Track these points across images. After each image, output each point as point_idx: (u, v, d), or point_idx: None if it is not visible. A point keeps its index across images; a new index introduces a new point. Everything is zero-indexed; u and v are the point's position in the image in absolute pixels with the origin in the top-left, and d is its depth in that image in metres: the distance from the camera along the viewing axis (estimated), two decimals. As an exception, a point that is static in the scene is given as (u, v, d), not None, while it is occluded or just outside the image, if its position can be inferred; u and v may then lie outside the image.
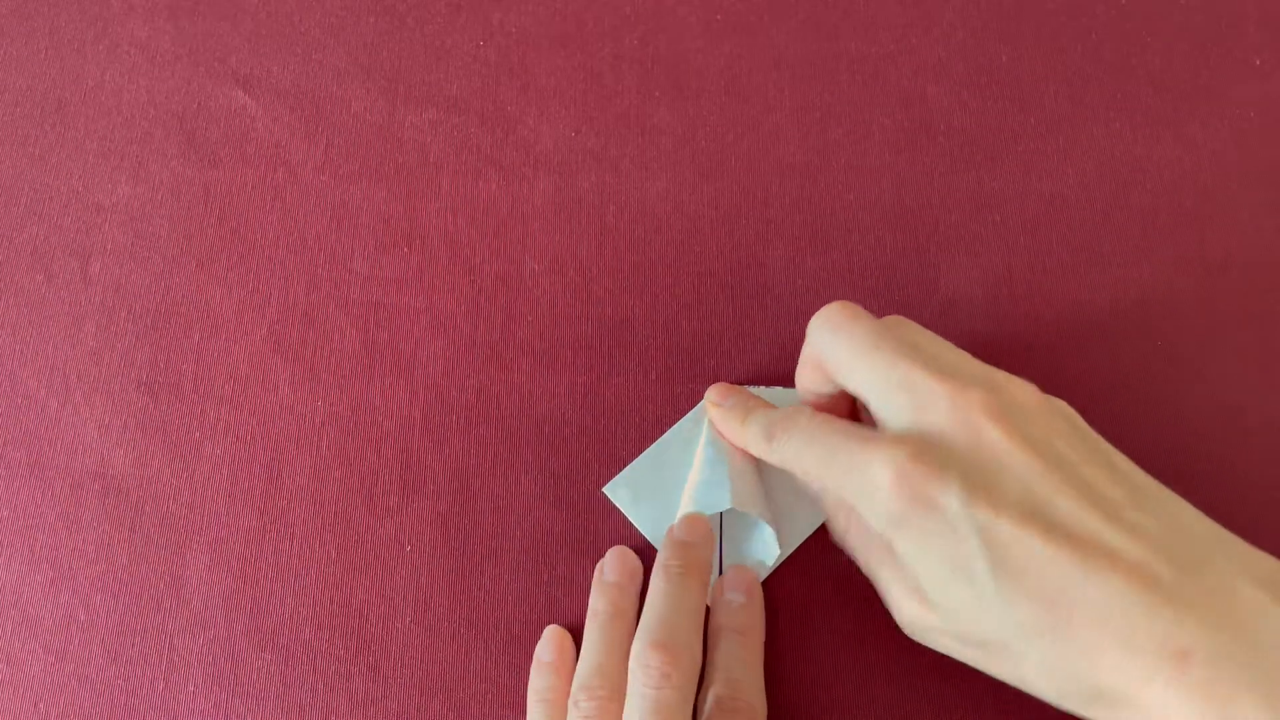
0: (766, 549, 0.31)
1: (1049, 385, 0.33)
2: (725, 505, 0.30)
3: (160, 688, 0.30)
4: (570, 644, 0.30)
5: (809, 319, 0.34)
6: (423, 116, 0.38)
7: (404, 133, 0.38)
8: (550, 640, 0.30)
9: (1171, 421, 0.33)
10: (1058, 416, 0.25)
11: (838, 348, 0.27)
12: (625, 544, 0.32)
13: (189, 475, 0.33)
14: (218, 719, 0.30)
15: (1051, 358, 0.34)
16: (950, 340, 0.34)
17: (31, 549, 0.32)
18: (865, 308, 0.35)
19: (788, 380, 0.34)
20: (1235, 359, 0.34)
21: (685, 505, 0.31)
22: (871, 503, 0.25)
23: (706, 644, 0.29)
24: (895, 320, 0.28)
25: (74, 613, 0.31)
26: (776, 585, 0.31)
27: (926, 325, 0.34)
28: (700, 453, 0.32)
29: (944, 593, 0.24)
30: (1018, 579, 0.22)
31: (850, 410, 0.31)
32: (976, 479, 0.23)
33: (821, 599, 0.31)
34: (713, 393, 0.32)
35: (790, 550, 0.31)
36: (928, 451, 0.24)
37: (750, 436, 0.30)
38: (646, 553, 0.32)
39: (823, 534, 0.31)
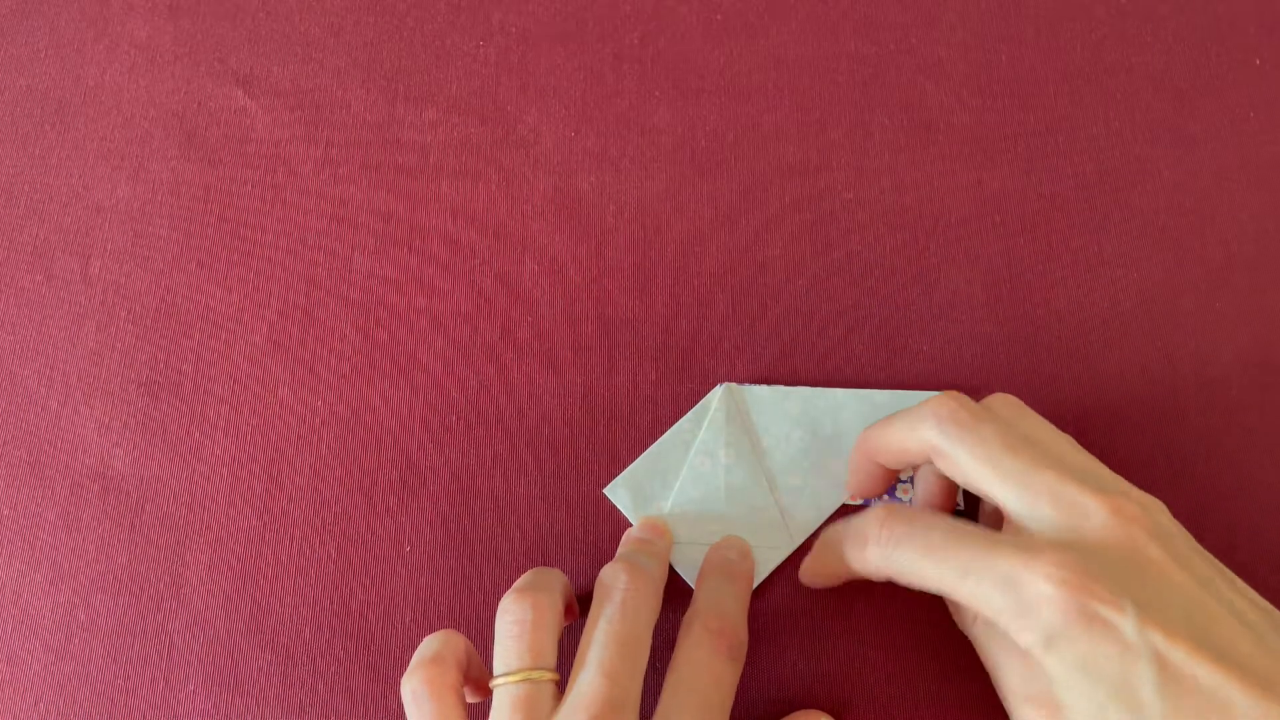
0: (776, 542, 0.31)
1: (1049, 385, 0.34)
2: (720, 507, 0.31)
3: (160, 687, 0.30)
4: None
5: (809, 319, 0.35)
6: (423, 116, 0.38)
7: (404, 133, 0.38)
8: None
9: (1171, 421, 0.33)
10: (1185, 533, 0.26)
11: (963, 450, 0.26)
12: (625, 544, 0.32)
13: (189, 475, 0.33)
14: (218, 719, 0.30)
15: (1051, 358, 0.34)
16: (951, 340, 0.34)
17: (31, 549, 0.32)
18: (865, 308, 0.35)
19: (788, 380, 0.34)
20: (1235, 359, 0.34)
21: (680, 505, 0.32)
22: (1025, 617, 0.23)
23: (695, 592, 0.29)
24: (1006, 405, 0.28)
25: (74, 612, 0.31)
26: (778, 586, 0.31)
27: (926, 325, 0.34)
28: (693, 457, 0.32)
29: (1096, 714, 0.23)
30: (1185, 704, 0.22)
31: (887, 480, 0.30)
32: (1146, 600, 0.23)
33: (822, 599, 0.31)
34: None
35: (797, 545, 0.31)
36: (1094, 567, 0.23)
37: (834, 548, 0.28)
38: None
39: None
